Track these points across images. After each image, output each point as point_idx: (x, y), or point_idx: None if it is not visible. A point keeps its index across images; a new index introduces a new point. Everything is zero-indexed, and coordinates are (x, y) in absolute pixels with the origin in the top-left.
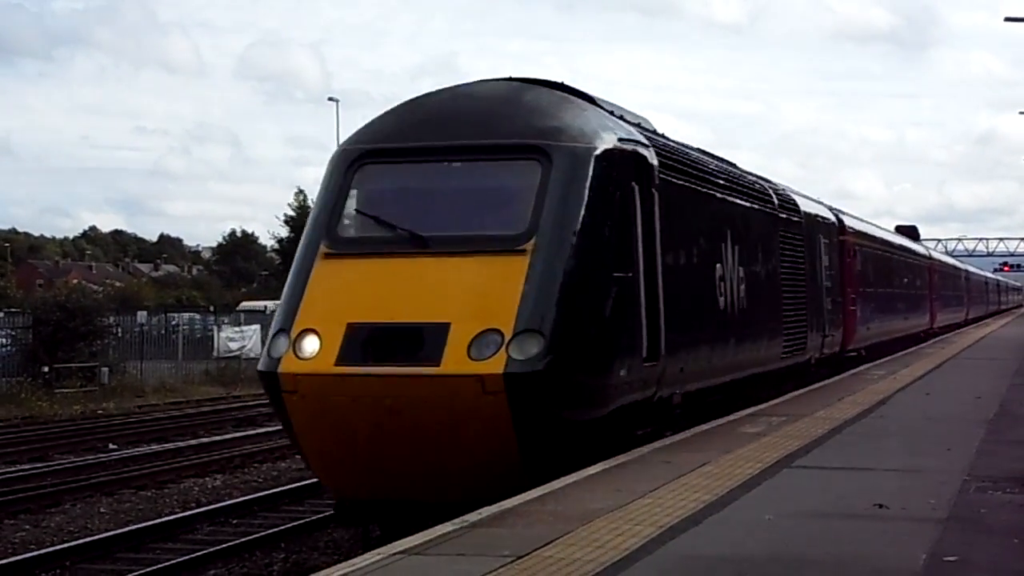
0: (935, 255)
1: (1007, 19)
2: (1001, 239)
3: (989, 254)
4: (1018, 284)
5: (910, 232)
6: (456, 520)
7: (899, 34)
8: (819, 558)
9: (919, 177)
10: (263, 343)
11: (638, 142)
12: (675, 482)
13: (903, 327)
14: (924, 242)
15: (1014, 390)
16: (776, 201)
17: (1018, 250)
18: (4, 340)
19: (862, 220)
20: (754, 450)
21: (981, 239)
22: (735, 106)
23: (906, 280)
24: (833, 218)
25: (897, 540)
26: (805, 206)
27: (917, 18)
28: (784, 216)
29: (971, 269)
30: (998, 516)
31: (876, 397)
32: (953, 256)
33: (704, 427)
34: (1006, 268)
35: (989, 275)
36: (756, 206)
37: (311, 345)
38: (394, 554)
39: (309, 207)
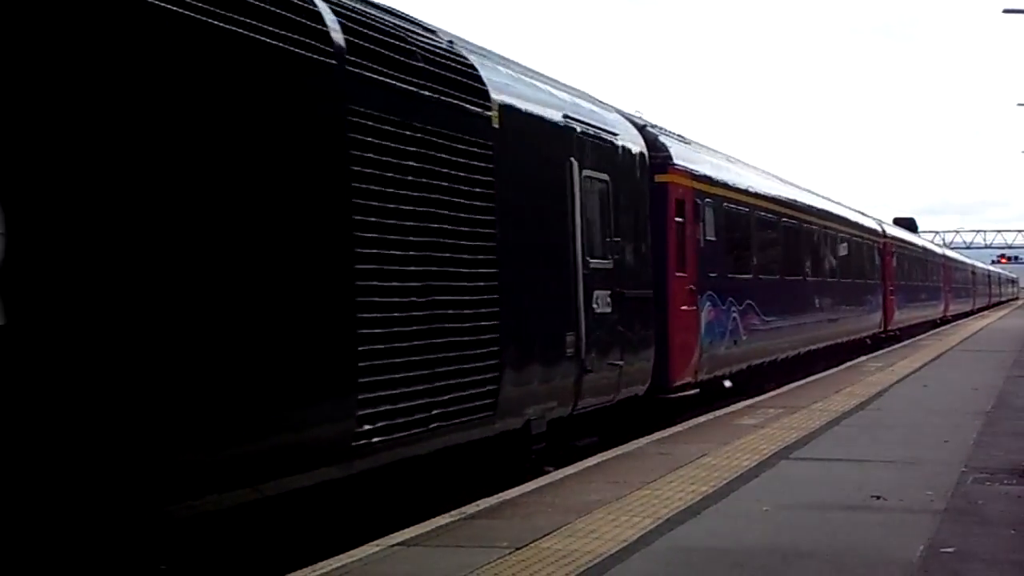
0: (892, 230)
1: (1005, 11)
2: (999, 231)
3: (987, 246)
4: (1014, 276)
5: (908, 224)
6: (454, 512)
7: (896, 25)
8: (816, 549)
9: (917, 171)
10: None
11: None
12: (673, 474)
13: (826, 335)
14: (922, 234)
15: (1011, 382)
16: (340, 38)
17: (1015, 242)
18: None
19: (728, 158)
20: (752, 442)
21: (979, 231)
22: (729, 99)
23: (835, 264)
24: (636, 140)
25: (894, 531)
26: (509, 90)
27: (914, 9)
28: (370, 85)
29: (950, 254)
30: (995, 507)
31: (873, 389)
32: (951, 248)
33: (701, 419)
34: (1003, 260)
35: (979, 265)
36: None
37: None
38: (392, 545)
39: None
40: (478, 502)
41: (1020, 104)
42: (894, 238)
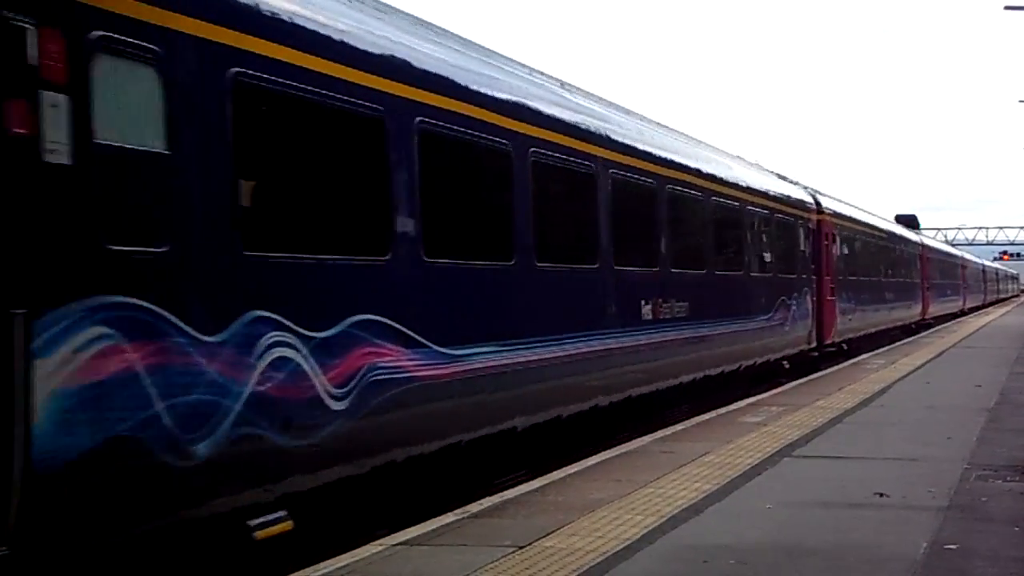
0: (833, 204)
1: (1007, 8)
2: (1001, 228)
3: (989, 243)
4: (1014, 272)
5: (909, 221)
6: (458, 510)
7: (897, 22)
8: (820, 547)
9: (920, 168)
10: None
11: None
12: (676, 472)
13: (665, 367)
14: (924, 231)
15: (1014, 379)
16: None
17: (1018, 239)
18: None
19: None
20: (755, 440)
21: (981, 228)
22: (732, 98)
23: (698, 246)
24: None
25: (898, 528)
26: None
27: (916, 5)
28: None
29: (931, 243)
30: (998, 504)
31: (876, 386)
32: (953, 245)
33: (704, 417)
34: (1005, 257)
35: (972, 258)
36: None
37: None
38: (396, 545)
39: None
40: (481, 501)
41: (1022, 101)
42: (836, 215)
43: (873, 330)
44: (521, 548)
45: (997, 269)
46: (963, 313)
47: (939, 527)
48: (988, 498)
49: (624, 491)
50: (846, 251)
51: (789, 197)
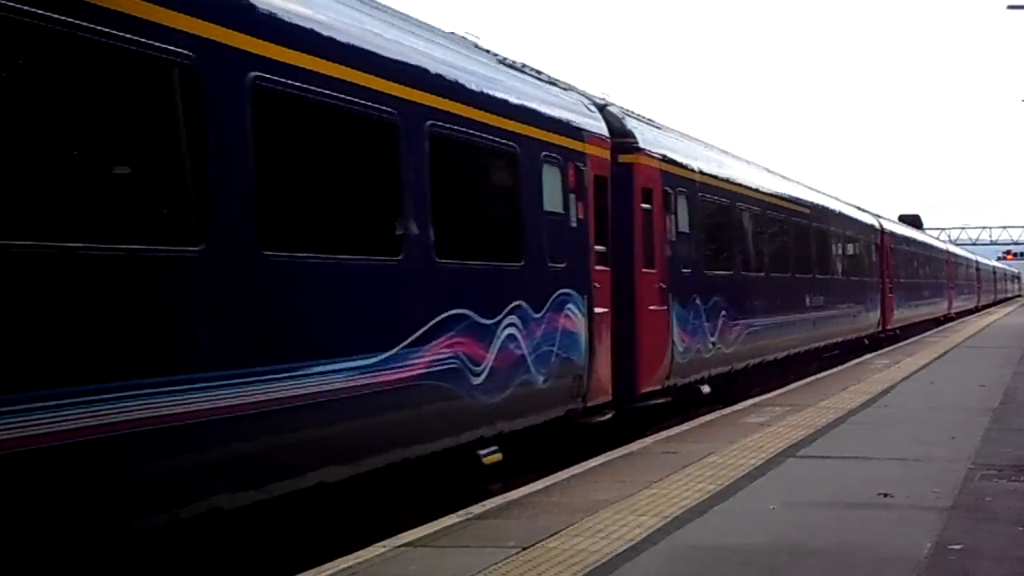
0: (657, 138)
1: (1010, 7)
2: (1004, 227)
3: (992, 242)
4: (1015, 271)
5: (912, 221)
6: (461, 512)
7: (900, 20)
8: (824, 547)
9: (922, 168)
10: None
11: None
12: (680, 473)
13: None
14: (927, 231)
15: (1018, 379)
16: None
17: (1022, 238)
18: None
19: None
20: (759, 440)
21: (984, 227)
22: (734, 98)
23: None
24: None
25: (902, 529)
26: None
27: (919, 3)
28: None
29: (897, 230)
30: (1003, 504)
31: (880, 386)
32: (957, 245)
33: (708, 417)
34: (1009, 256)
35: (960, 252)
36: None
37: None
38: (399, 546)
39: None
40: (484, 502)
41: None
42: (671, 162)
43: (777, 355)
44: (525, 549)
45: (995, 268)
46: (948, 319)
47: (943, 527)
48: (992, 498)
49: (628, 492)
50: (704, 227)
51: (505, 100)
